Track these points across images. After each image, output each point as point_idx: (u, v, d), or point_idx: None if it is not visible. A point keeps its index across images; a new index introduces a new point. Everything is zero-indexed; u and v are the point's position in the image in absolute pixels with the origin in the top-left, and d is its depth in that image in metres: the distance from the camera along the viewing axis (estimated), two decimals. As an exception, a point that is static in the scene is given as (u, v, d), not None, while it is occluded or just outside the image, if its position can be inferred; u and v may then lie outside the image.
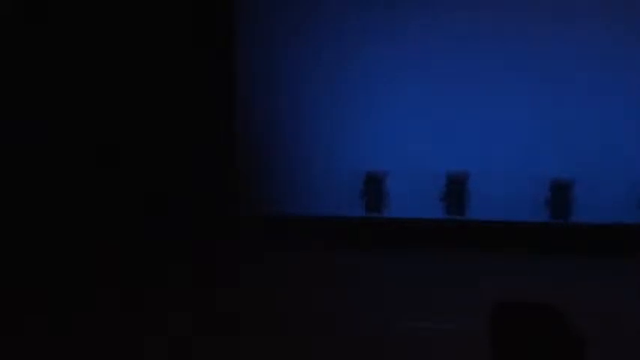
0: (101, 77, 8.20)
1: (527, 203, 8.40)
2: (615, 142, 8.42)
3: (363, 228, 8.62)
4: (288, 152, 8.87)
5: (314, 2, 8.84)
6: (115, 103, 8.29)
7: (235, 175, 8.78)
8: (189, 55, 8.51)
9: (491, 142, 8.52)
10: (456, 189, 8.48)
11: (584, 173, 8.33)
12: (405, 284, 7.05)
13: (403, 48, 8.64)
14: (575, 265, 7.70)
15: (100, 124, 8.21)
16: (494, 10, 8.50)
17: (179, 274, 7.42)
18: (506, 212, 8.38)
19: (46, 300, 6.50)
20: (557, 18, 8.42)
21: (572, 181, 8.35)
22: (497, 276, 7.23)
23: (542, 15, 8.43)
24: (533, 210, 8.42)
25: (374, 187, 8.61)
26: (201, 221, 8.33)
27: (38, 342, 5.49)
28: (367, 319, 5.99)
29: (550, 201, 8.41)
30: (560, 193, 8.37)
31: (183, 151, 8.54)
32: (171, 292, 6.88)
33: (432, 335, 5.56)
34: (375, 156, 8.69)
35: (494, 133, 8.53)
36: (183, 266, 7.68)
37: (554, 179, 8.39)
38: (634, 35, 8.38)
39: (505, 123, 8.54)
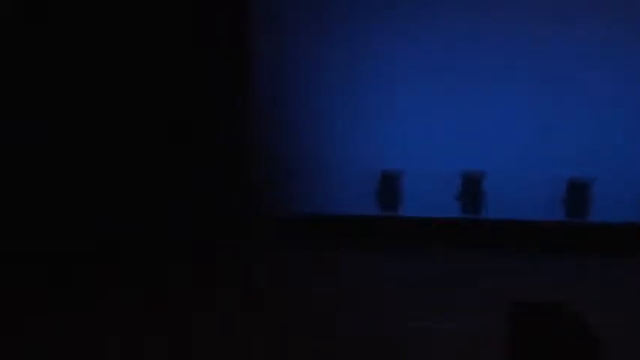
0: (102, 77, 8.20)
1: (542, 202, 8.43)
2: (628, 142, 8.44)
3: (378, 227, 8.65)
4: (303, 152, 8.88)
5: (330, 5, 8.84)
6: (116, 103, 8.29)
7: (249, 175, 8.79)
8: (199, 54, 8.52)
9: (507, 141, 8.54)
10: (471, 188, 8.53)
11: (599, 173, 8.35)
12: (421, 284, 7.05)
13: (419, 47, 8.67)
14: (592, 264, 7.72)
15: (101, 124, 8.21)
16: (509, 10, 8.52)
17: (195, 274, 7.42)
18: (521, 211, 8.40)
19: (46, 300, 6.50)
20: (563, 16, 8.44)
21: (589, 180, 8.38)
22: (513, 275, 7.25)
23: (555, 14, 8.45)
24: (549, 209, 8.44)
25: (389, 185, 8.66)
26: (214, 221, 8.35)
27: (38, 342, 5.48)
28: (382, 319, 6.00)
29: (567, 200, 8.45)
30: (577, 192, 8.40)
31: (198, 151, 8.55)
32: (188, 292, 6.88)
33: (448, 335, 5.55)
34: (391, 155, 8.72)
35: (510, 133, 8.56)
36: (197, 266, 7.69)
37: (571, 178, 8.42)
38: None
39: (521, 122, 8.56)
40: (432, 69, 8.66)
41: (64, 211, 7.87)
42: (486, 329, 5.40)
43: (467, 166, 8.57)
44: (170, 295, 6.75)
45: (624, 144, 8.46)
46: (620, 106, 8.47)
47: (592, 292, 6.39)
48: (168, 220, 8.23)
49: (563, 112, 8.52)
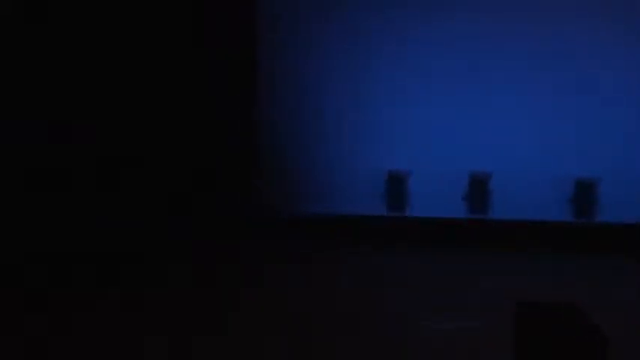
0: (103, 77, 8.19)
1: (549, 202, 8.43)
2: (633, 142, 8.43)
3: (385, 227, 8.65)
4: (311, 152, 8.89)
5: (336, 3, 8.83)
6: (116, 102, 8.29)
7: (250, 175, 8.78)
8: (201, 54, 8.51)
9: (513, 142, 8.54)
10: (477, 189, 8.54)
11: (607, 172, 8.35)
12: (427, 284, 7.05)
13: (427, 48, 8.67)
14: (600, 264, 7.72)
15: (101, 123, 8.21)
16: (511, 10, 8.52)
17: (201, 275, 7.42)
18: (528, 211, 8.40)
19: (46, 300, 6.49)
20: (564, 16, 8.45)
21: (596, 180, 8.38)
22: (519, 275, 7.25)
23: (556, 14, 8.46)
24: (557, 209, 8.45)
25: (396, 186, 8.67)
26: (214, 221, 8.35)
27: (38, 342, 5.48)
28: (394, 319, 6.00)
29: (574, 200, 8.45)
30: (584, 192, 8.40)
31: (204, 152, 8.54)
32: (188, 292, 6.88)
33: (458, 336, 5.55)
34: (397, 155, 8.72)
35: (516, 133, 8.56)
36: (207, 267, 7.68)
37: (578, 178, 8.43)
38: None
39: (526, 123, 8.57)
40: (437, 70, 8.67)
41: (64, 211, 7.87)
42: (491, 327, 5.41)
43: (473, 167, 8.58)
44: (170, 295, 6.74)
45: (629, 144, 8.45)
46: (625, 106, 8.47)
47: (596, 292, 6.39)
48: (168, 220, 8.23)
49: (567, 112, 8.53)
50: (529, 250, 8.16)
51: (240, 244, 8.45)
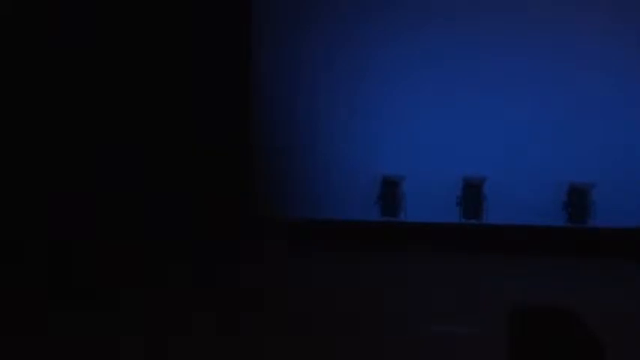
0: (103, 77, 8.19)
1: (542, 207, 8.44)
2: (630, 147, 8.44)
3: (380, 231, 8.65)
4: (306, 156, 8.90)
5: (331, 7, 8.85)
6: (117, 103, 8.29)
7: (250, 176, 8.79)
8: (200, 54, 8.51)
9: (508, 146, 8.55)
10: (472, 193, 8.55)
11: (601, 177, 8.35)
12: (425, 286, 7.06)
13: (421, 53, 8.69)
14: (594, 268, 7.73)
15: (101, 123, 8.21)
16: (510, 14, 8.53)
17: (201, 275, 7.43)
18: (522, 216, 8.41)
19: (46, 300, 6.50)
20: (562, 20, 8.46)
21: (589, 186, 8.39)
22: (513, 279, 7.26)
23: (555, 19, 8.47)
24: (549, 214, 8.46)
25: (391, 190, 8.68)
26: (214, 221, 8.37)
27: (37, 342, 5.49)
28: (394, 319, 6.00)
29: (568, 205, 8.46)
30: (578, 197, 8.41)
31: (203, 152, 8.55)
32: (188, 292, 6.88)
33: (453, 339, 5.56)
34: (392, 160, 8.73)
35: (511, 138, 8.57)
36: (207, 267, 7.70)
37: (572, 183, 8.44)
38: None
39: (521, 128, 8.58)
40: (434, 75, 8.68)
41: (64, 210, 7.87)
42: (486, 332, 5.42)
43: (467, 172, 8.59)
44: (170, 295, 6.75)
45: (624, 150, 8.46)
46: (622, 112, 8.48)
47: (592, 295, 6.40)
48: (169, 220, 8.23)
49: (563, 117, 8.54)
50: (522, 254, 8.16)
51: (240, 244, 8.46)
